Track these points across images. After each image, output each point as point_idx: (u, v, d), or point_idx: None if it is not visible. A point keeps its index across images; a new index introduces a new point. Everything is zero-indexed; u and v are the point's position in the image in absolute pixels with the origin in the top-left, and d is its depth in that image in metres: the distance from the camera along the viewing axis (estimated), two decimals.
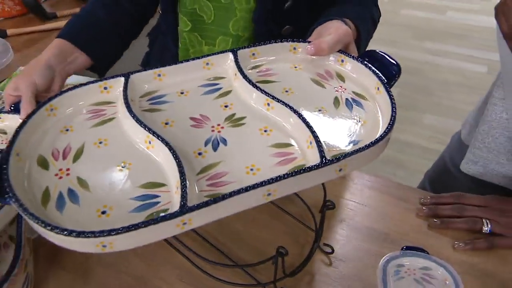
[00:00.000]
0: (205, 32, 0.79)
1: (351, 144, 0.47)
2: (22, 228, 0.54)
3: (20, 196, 0.38)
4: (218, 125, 0.49)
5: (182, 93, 0.54)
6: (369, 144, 0.43)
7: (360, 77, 0.55)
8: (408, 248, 0.58)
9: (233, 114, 0.51)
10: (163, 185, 0.42)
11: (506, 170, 0.68)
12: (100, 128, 0.49)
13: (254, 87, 0.51)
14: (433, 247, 0.61)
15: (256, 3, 0.72)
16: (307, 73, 0.57)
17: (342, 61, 0.57)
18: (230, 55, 0.56)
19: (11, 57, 1.03)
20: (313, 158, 0.43)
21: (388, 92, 0.50)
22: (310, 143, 0.45)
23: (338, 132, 0.48)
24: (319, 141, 0.44)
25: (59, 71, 0.67)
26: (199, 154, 0.45)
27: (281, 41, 0.59)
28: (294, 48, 0.59)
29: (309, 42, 0.58)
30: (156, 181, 0.43)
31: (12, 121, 0.63)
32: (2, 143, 0.62)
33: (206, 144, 0.47)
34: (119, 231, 0.35)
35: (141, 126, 0.46)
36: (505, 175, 0.69)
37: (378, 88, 0.52)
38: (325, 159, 0.42)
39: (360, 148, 0.43)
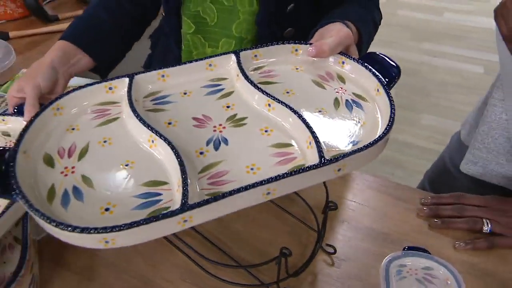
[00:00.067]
0: (208, 34, 0.79)
1: (351, 145, 0.47)
2: (28, 229, 0.54)
3: (26, 193, 0.38)
4: (220, 125, 0.50)
5: (185, 93, 0.55)
6: (367, 144, 0.44)
7: (360, 78, 0.56)
8: (410, 248, 0.58)
9: (235, 115, 0.51)
10: (165, 183, 0.43)
11: (505, 171, 0.69)
12: (104, 128, 0.50)
13: (256, 88, 0.52)
14: (433, 247, 0.61)
15: (259, 6, 0.73)
16: (308, 75, 0.58)
17: (343, 62, 0.58)
18: (233, 57, 0.57)
19: (14, 59, 1.03)
20: (313, 158, 0.44)
21: (388, 93, 0.51)
22: (310, 143, 0.46)
23: (338, 132, 0.49)
24: (319, 141, 0.45)
25: (62, 73, 0.68)
26: (201, 153, 0.46)
27: (283, 43, 0.60)
28: (296, 50, 0.60)
29: (311, 44, 0.59)
30: (158, 179, 0.44)
31: (15, 123, 0.63)
32: (6, 145, 0.62)
33: (207, 143, 0.47)
34: (121, 228, 0.36)
35: (145, 126, 0.47)
36: (505, 176, 0.69)
37: (378, 90, 0.53)
38: (324, 159, 0.43)
39: (358, 148, 0.44)
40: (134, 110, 0.49)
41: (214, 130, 0.49)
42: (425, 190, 0.76)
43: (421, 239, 0.65)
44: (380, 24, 0.76)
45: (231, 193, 0.39)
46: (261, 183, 0.40)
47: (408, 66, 2.55)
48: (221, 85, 0.56)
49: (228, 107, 0.53)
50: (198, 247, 0.59)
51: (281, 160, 0.46)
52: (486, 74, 2.47)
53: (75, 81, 0.89)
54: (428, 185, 0.97)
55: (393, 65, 0.55)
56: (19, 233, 0.55)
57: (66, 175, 0.44)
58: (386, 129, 0.46)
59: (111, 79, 0.54)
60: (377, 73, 0.54)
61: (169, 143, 0.44)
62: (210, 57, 0.57)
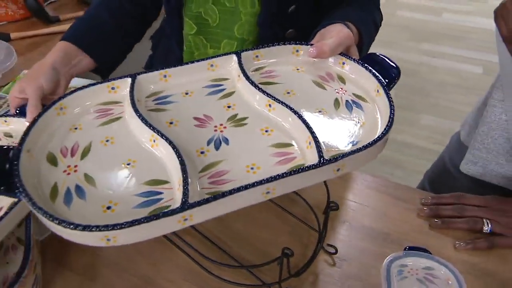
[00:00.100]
0: (210, 35, 0.80)
1: (350, 145, 0.48)
2: (31, 230, 0.54)
3: (30, 191, 0.39)
4: (221, 125, 0.50)
5: (186, 93, 0.55)
6: (366, 145, 0.45)
7: (360, 79, 0.56)
8: (411, 248, 0.59)
9: (236, 115, 0.52)
10: (166, 182, 0.44)
11: (505, 171, 0.69)
12: (107, 127, 0.50)
13: (257, 89, 0.53)
14: (434, 247, 0.62)
15: (261, 7, 0.73)
16: (309, 75, 0.58)
17: (343, 63, 0.59)
18: (234, 57, 0.58)
19: (15, 60, 1.02)
20: (312, 158, 0.45)
21: (387, 94, 0.51)
22: (309, 143, 0.46)
23: (338, 133, 0.49)
24: (318, 141, 0.45)
25: (64, 73, 0.67)
26: (202, 153, 0.47)
27: (284, 44, 0.60)
28: (297, 51, 0.61)
29: (311, 44, 0.59)
30: (159, 178, 0.44)
31: (17, 125, 0.62)
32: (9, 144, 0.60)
33: (208, 143, 0.48)
34: (122, 226, 0.36)
35: (146, 126, 0.47)
36: (504, 176, 0.70)
37: (378, 91, 0.53)
38: (323, 159, 0.43)
39: (357, 148, 0.44)
40: (136, 110, 0.49)
41: (215, 130, 0.50)
42: (425, 190, 0.76)
43: (422, 239, 0.65)
44: (380, 25, 0.76)
45: (231, 192, 0.39)
46: (260, 182, 0.40)
47: (407, 67, 2.56)
48: (222, 85, 0.57)
49: (229, 107, 0.53)
50: (199, 247, 0.59)
51: (281, 160, 0.46)
52: (485, 75, 2.48)
53: (76, 81, 0.90)
54: (428, 185, 0.97)
55: (393, 66, 0.55)
56: (22, 234, 0.56)
57: (68, 173, 0.44)
58: (385, 129, 0.47)
59: (114, 79, 0.54)
60: (377, 74, 0.54)
61: (170, 143, 0.45)
62: (212, 57, 0.58)
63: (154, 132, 0.46)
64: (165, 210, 0.38)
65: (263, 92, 0.52)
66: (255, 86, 0.53)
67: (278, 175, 0.41)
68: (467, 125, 0.84)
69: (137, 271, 0.61)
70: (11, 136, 0.62)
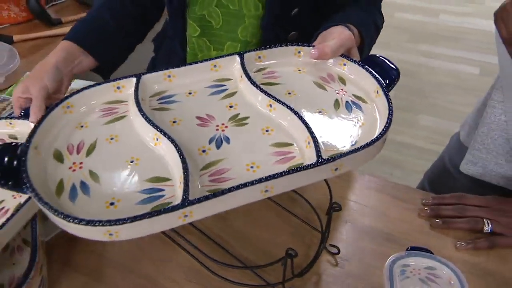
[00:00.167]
0: (213, 37, 0.80)
1: (349, 145, 0.49)
2: (37, 231, 0.55)
3: (36, 187, 0.40)
4: (223, 124, 0.51)
5: (190, 93, 0.56)
6: (364, 145, 0.45)
7: (360, 80, 0.57)
8: (413, 248, 0.59)
9: (237, 114, 0.53)
10: (168, 179, 0.45)
11: (504, 171, 0.69)
12: (112, 125, 0.52)
13: (258, 89, 0.54)
14: (435, 247, 0.62)
15: (265, 10, 0.74)
16: (310, 76, 0.59)
17: (344, 64, 0.59)
18: (237, 58, 0.59)
19: (18, 63, 1.02)
20: (311, 157, 0.45)
21: (387, 96, 0.52)
22: (309, 143, 0.47)
23: (337, 133, 0.50)
24: (317, 141, 0.46)
25: (67, 73, 0.68)
26: (203, 151, 0.48)
27: (286, 45, 0.61)
28: (299, 52, 0.61)
29: (313, 46, 0.60)
30: (161, 175, 0.45)
31: (22, 127, 0.62)
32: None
33: (210, 142, 0.49)
34: (124, 221, 0.37)
35: (150, 124, 0.49)
36: (504, 176, 0.70)
37: (377, 92, 0.54)
38: (321, 159, 0.44)
39: (355, 148, 0.45)
40: (140, 109, 0.51)
41: (217, 129, 0.51)
42: (425, 190, 0.77)
43: (423, 239, 0.66)
44: (382, 27, 0.77)
45: (230, 189, 0.40)
46: (259, 181, 0.41)
47: (406, 68, 2.56)
48: (225, 85, 0.58)
49: (231, 107, 0.54)
50: (202, 247, 0.60)
51: (281, 159, 0.47)
52: (482, 75, 2.48)
53: (77, 83, 0.92)
54: (428, 185, 0.97)
55: (393, 68, 0.56)
56: (28, 235, 0.56)
57: (74, 170, 0.46)
58: (383, 130, 0.47)
59: (119, 79, 0.56)
60: (377, 76, 0.55)
61: (173, 141, 0.46)
62: (215, 58, 0.59)
63: (157, 130, 0.48)
64: (166, 206, 0.39)
65: (264, 92, 0.53)
66: (257, 86, 0.54)
67: (276, 174, 0.42)
68: (466, 126, 0.84)
69: (141, 271, 0.62)
70: (16, 138, 0.62)
